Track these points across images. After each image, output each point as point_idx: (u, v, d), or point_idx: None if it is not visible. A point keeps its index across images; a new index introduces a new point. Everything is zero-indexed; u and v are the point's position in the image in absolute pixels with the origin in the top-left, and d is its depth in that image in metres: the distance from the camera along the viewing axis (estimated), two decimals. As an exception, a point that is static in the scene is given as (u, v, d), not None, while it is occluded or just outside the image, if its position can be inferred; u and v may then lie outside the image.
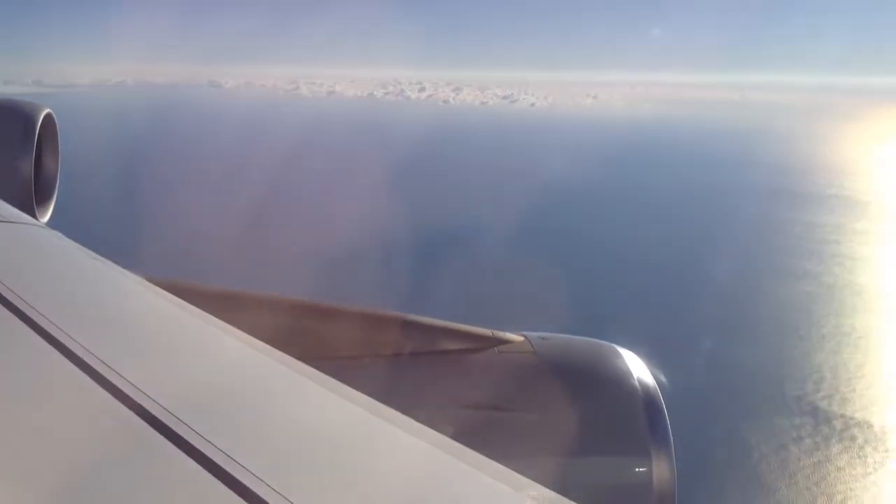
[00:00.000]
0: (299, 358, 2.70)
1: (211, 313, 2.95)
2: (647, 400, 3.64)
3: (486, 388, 3.71)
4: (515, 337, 3.88)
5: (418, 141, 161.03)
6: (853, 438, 44.01)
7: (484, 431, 3.46)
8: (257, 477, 1.81)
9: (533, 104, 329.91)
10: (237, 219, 77.15)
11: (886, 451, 42.73)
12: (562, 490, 2.09)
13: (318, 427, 2.34)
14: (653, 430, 3.59)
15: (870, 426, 45.29)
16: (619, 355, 3.83)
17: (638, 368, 3.77)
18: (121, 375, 2.13)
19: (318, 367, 2.67)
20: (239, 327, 2.84)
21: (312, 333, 3.63)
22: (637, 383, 3.69)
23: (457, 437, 2.37)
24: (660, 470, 3.51)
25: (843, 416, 46.30)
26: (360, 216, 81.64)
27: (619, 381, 3.71)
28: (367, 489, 2.04)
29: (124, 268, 3.30)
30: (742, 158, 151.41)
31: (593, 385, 3.77)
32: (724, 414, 42.17)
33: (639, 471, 3.53)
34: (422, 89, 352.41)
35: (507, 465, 2.18)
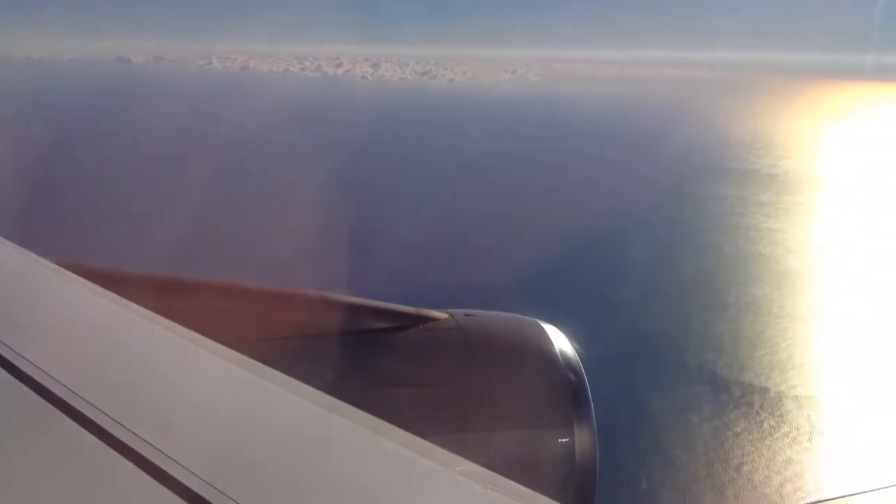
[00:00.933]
0: (222, 340, 2.77)
1: (129, 298, 3.01)
2: (570, 373, 3.76)
3: (412, 366, 3.80)
4: (440, 314, 3.99)
5: (334, 117, 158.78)
6: (750, 405, 45.15)
7: (410, 409, 3.50)
8: (155, 448, 1.95)
9: (452, 80, 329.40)
10: (141, 197, 75.06)
11: (781, 415, 43.97)
12: (487, 464, 2.25)
13: (220, 401, 2.44)
14: (575, 402, 3.72)
15: (766, 392, 46.54)
16: (542, 330, 3.96)
17: (560, 342, 3.90)
18: (20, 355, 2.24)
19: (240, 350, 2.73)
20: (156, 310, 2.91)
21: (234, 315, 3.57)
22: (560, 357, 3.80)
23: (383, 415, 2.43)
24: (582, 441, 3.62)
25: (741, 382, 47.46)
26: (276, 194, 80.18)
27: (542, 355, 3.82)
28: (280, 464, 2.13)
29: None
30: (654, 133, 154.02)
31: (517, 360, 3.87)
32: (624, 385, 42.70)
33: (562, 442, 3.62)
34: (339, 65, 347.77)
35: (433, 442, 2.33)
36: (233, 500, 1.90)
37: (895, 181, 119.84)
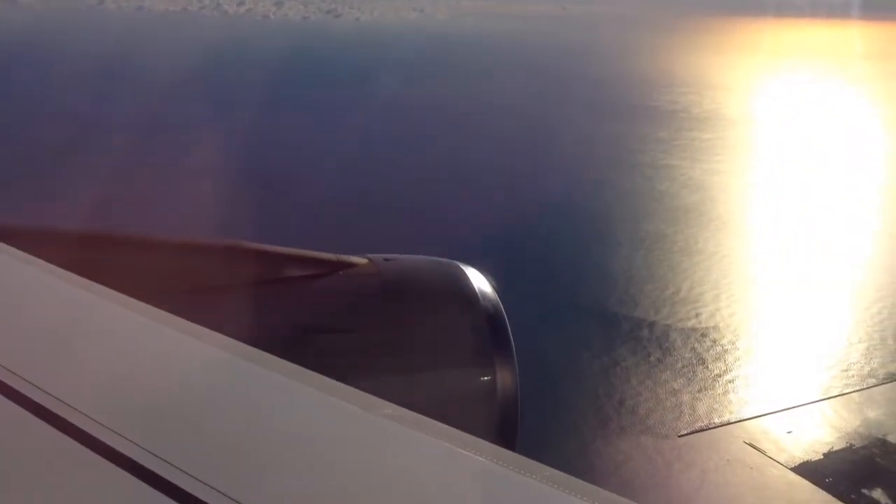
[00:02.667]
0: (139, 295, 2.76)
1: (32, 252, 3.04)
2: (490, 312, 3.76)
3: (333, 312, 3.78)
4: (359, 260, 3.94)
5: (237, 57, 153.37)
6: (639, 339, 46.26)
7: (333, 355, 3.49)
8: (57, 399, 2.00)
9: (358, 18, 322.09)
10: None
11: (667, 348, 45.25)
12: (412, 406, 2.26)
13: (132, 354, 2.46)
14: (496, 341, 3.72)
15: (654, 325, 47.74)
16: (461, 271, 3.95)
17: (480, 283, 3.88)
18: None
19: (151, 302, 2.72)
20: (61, 264, 2.92)
21: (143, 268, 3.44)
22: (480, 297, 3.80)
23: (305, 362, 2.42)
24: (504, 378, 3.65)
25: (631, 317, 48.54)
26: (182, 137, 77.26)
27: (462, 296, 3.82)
28: (201, 415, 2.14)
29: None
30: (557, 71, 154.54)
31: (437, 301, 3.89)
32: (514, 323, 43.03)
33: (484, 380, 3.66)
34: (240, 3, 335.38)
35: (357, 387, 2.33)
36: (149, 452, 1.91)
37: (792, 117, 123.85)
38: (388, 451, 2.16)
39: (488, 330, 3.76)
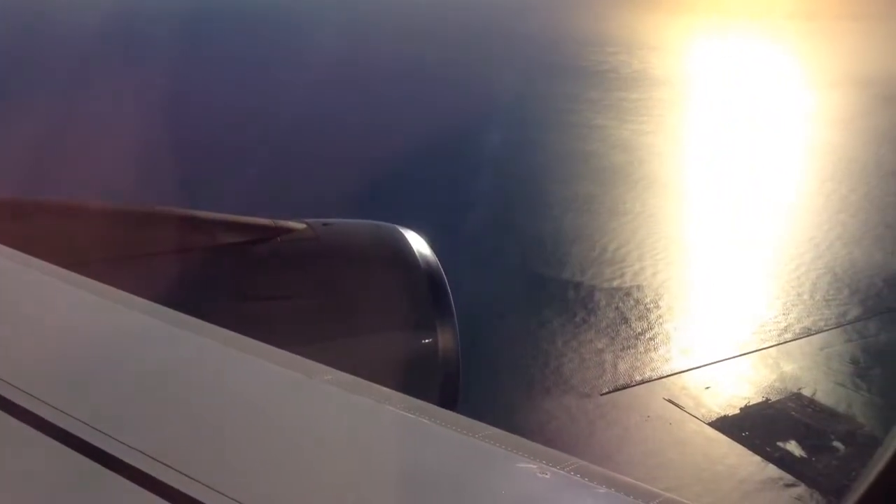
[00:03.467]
0: (68, 263, 2.69)
1: None
2: (429, 275, 3.87)
3: (272, 278, 3.76)
4: (297, 225, 3.94)
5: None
6: (565, 300, 46.56)
7: (273, 321, 3.51)
8: None
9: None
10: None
11: (589, 309, 45.68)
12: (354, 370, 2.29)
13: (64, 325, 2.40)
14: (436, 303, 3.83)
15: (580, 286, 48.11)
16: (400, 235, 4.05)
17: (420, 246, 4.00)
18: None
19: (90, 271, 2.67)
20: None
21: (79, 235, 3.32)
22: (419, 260, 3.89)
23: (244, 329, 2.40)
24: (445, 340, 3.75)
25: (557, 279, 48.82)
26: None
27: (401, 259, 3.89)
28: (138, 385, 2.12)
29: None
30: (487, 30, 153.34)
31: (377, 265, 3.97)
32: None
33: (425, 343, 3.75)
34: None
35: (299, 353, 2.34)
36: (88, 425, 1.90)
37: (721, 76, 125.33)
38: (331, 416, 2.17)
39: (429, 293, 3.85)
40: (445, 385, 3.80)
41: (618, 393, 37.78)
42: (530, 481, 1.93)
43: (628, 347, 41.75)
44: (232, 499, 1.82)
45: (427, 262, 3.93)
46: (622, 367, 39.94)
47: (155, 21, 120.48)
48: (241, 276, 3.72)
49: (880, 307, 46.69)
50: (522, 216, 57.56)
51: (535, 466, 1.94)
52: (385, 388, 2.24)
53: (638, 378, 39.00)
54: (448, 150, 70.21)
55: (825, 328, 44.54)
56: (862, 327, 44.52)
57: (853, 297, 48.20)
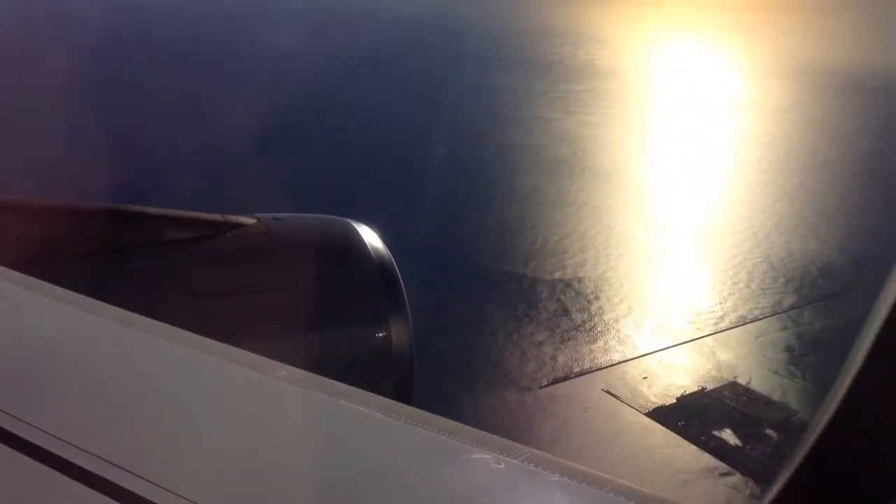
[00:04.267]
0: (12, 262, 2.69)
1: None
2: (382, 269, 3.84)
3: (223, 275, 3.73)
4: (248, 220, 3.90)
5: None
6: (506, 292, 46.59)
7: (223, 318, 3.45)
8: None
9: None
10: None
11: (531, 301, 45.76)
12: (308, 365, 2.27)
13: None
14: (389, 297, 3.78)
15: (521, 278, 48.20)
16: (351, 228, 4.01)
17: (372, 240, 3.95)
18: None
19: (33, 271, 2.66)
20: None
21: (24, 233, 3.30)
22: (371, 254, 3.85)
23: (196, 327, 2.37)
24: (398, 333, 3.69)
25: (500, 272, 48.80)
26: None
27: (353, 253, 3.86)
28: (85, 386, 2.10)
29: None
30: (433, 23, 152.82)
31: (329, 259, 3.91)
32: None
33: (379, 336, 3.69)
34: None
35: (252, 349, 2.29)
36: (23, 422, 1.90)
37: (667, 68, 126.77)
38: (286, 413, 2.14)
39: (382, 286, 3.78)
40: (400, 378, 3.78)
41: (557, 385, 37.90)
42: (485, 472, 1.95)
43: (568, 339, 41.92)
44: (186, 499, 1.79)
45: (380, 256, 3.88)
46: (562, 359, 40.09)
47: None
48: (190, 273, 3.66)
49: (814, 295, 47.66)
50: (465, 209, 57.45)
51: (489, 457, 1.97)
52: (340, 384, 2.23)
53: (577, 370, 39.18)
54: (394, 143, 69.89)
55: (761, 316, 45.30)
56: (797, 315, 45.38)
57: (788, 285, 49.13)
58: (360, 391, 2.22)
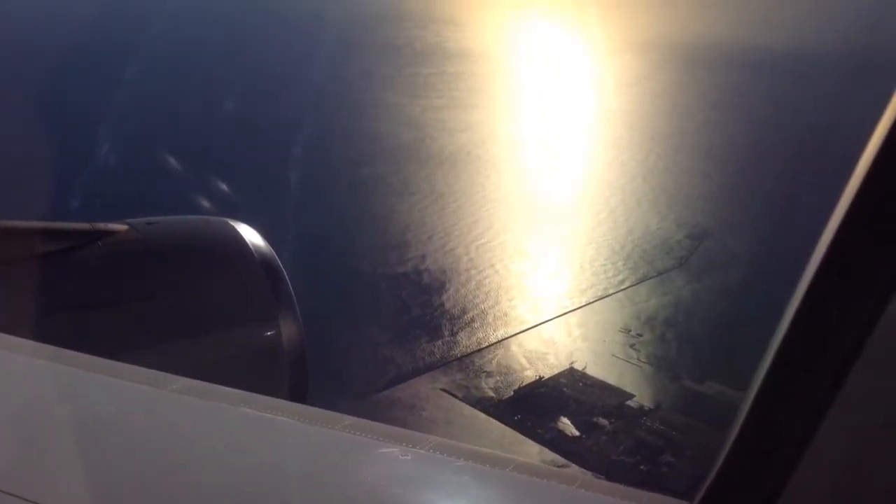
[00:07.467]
0: None
1: None
2: (266, 268, 3.80)
3: (97, 285, 3.56)
4: (118, 226, 3.74)
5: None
6: (341, 291, 44.51)
7: (103, 331, 3.29)
8: None
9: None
10: None
11: (369, 298, 43.99)
12: (199, 373, 2.17)
13: None
14: (276, 296, 3.77)
15: (359, 273, 46.30)
16: (231, 229, 3.93)
17: (253, 238, 3.90)
18: None
19: None
20: None
21: None
22: (254, 253, 3.81)
23: (72, 344, 2.22)
24: (288, 330, 3.72)
25: (337, 268, 46.65)
26: None
27: (235, 252, 3.78)
28: None
29: None
30: (277, 8, 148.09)
31: (210, 260, 3.85)
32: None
33: (269, 336, 3.66)
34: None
35: (137, 363, 2.18)
36: None
37: (516, 49, 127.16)
38: (187, 426, 2.06)
39: (267, 286, 3.72)
40: (294, 374, 3.65)
41: (392, 389, 36.24)
42: (394, 464, 1.98)
43: (404, 337, 40.31)
44: None
45: (262, 254, 3.76)
46: (399, 359, 38.45)
47: None
48: (62, 286, 3.42)
49: (651, 272, 48.04)
50: (302, 202, 54.67)
51: (396, 450, 2.01)
52: (234, 390, 2.16)
53: (413, 370, 37.65)
54: (231, 130, 66.61)
55: (600, 297, 45.20)
56: (633, 293, 45.55)
57: (626, 263, 49.34)
58: (259, 396, 2.13)
